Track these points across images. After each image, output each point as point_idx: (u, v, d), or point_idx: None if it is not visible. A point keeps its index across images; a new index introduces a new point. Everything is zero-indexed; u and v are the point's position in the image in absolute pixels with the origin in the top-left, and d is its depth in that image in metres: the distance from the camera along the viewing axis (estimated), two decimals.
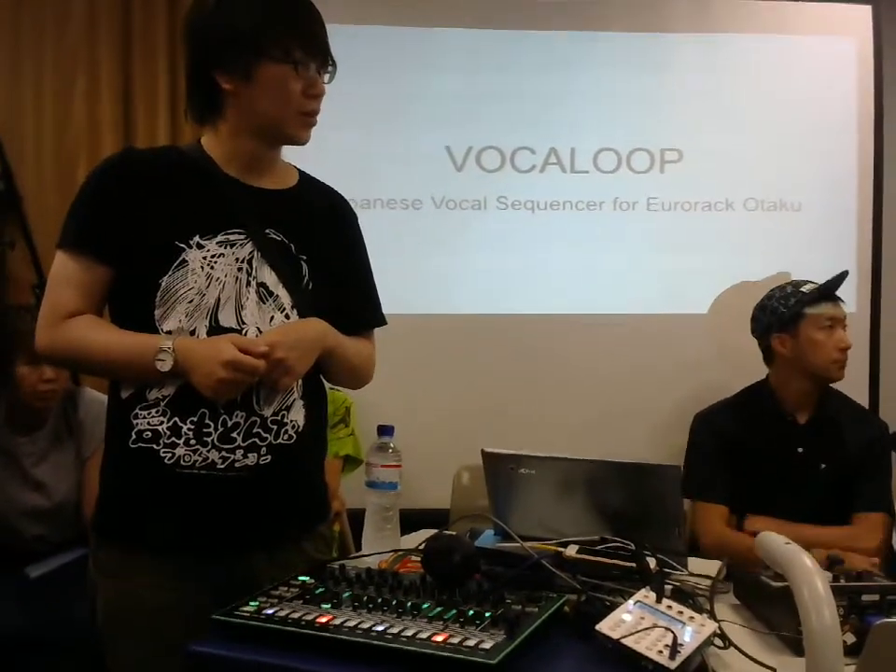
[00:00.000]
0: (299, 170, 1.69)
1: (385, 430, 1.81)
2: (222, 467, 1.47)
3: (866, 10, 3.27)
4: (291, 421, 1.53)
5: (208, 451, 1.46)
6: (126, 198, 1.50)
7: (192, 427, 1.46)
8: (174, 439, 1.46)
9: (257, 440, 1.49)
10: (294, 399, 1.54)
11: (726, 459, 2.47)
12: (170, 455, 1.46)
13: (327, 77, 1.55)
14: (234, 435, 1.47)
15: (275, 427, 1.51)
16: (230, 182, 1.55)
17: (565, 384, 3.17)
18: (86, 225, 1.51)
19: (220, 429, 1.47)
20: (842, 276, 2.52)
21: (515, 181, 3.22)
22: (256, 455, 1.49)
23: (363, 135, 3.13)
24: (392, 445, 1.79)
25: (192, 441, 1.46)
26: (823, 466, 2.45)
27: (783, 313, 2.51)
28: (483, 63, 3.20)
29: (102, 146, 3.15)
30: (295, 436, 1.54)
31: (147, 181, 1.52)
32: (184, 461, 1.46)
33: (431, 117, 3.19)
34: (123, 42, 3.24)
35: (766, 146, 3.23)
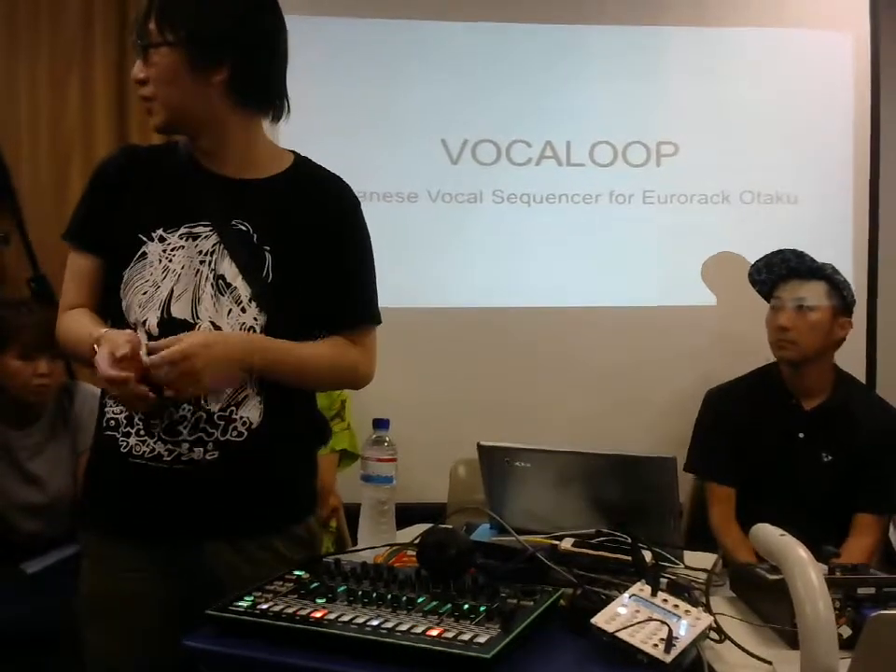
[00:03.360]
0: (297, 157, 1.62)
1: (380, 424, 1.80)
2: (168, 459, 1.48)
3: (863, 3, 3.26)
4: (241, 417, 1.49)
5: (155, 442, 1.48)
6: (110, 194, 1.55)
7: (143, 417, 1.49)
8: (128, 428, 1.50)
9: (203, 435, 1.48)
10: (246, 396, 1.50)
11: (729, 439, 2.44)
12: (125, 444, 1.50)
13: (164, 53, 1.44)
14: (180, 428, 1.48)
15: (223, 423, 1.49)
16: (203, 175, 1.55)
17: (559, 376, 3.17)
18: (78, 218, 1.60)
19: (166, 421, 1.48)
20: (783, 257, 2.44)
21: (511, 174, 3.21)
22: (202, 449, 1.48)
23: (359, 128, 3.10)
24: (388, 439, 1.79)
25: (142, 432, 1.49)
26: (828, 458, 2.37)
27: (758, 290, 2.53)
28: (479, 55, 3.19)
29: (96, 140, 3.15)
30: (246, 433, 1.50)
31: (130, 177, 1.56)
32: (135, 451, 1.49)
33: (427, 110, 3.18)
34: (118, 35, 3.22)
35: (762, 138, 3.22)
